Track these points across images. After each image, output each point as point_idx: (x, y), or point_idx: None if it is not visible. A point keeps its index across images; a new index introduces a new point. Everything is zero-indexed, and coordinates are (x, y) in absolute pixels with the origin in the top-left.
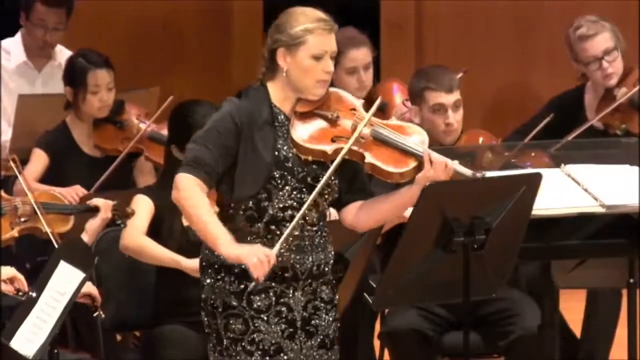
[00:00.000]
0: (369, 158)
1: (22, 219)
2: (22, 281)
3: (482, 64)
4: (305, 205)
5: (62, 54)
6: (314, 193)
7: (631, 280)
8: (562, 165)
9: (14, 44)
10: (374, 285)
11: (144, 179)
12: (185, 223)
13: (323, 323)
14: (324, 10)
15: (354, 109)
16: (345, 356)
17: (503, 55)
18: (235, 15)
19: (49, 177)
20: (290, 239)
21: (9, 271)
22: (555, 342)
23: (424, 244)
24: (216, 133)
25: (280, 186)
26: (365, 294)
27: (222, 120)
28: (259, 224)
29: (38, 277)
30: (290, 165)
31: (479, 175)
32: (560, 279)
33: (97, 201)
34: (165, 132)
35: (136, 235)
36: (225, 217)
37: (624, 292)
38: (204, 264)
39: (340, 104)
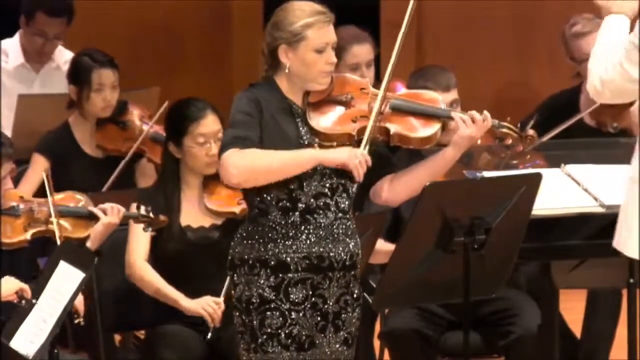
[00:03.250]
0: (394, 129)
1: (37, 223)
2: (26, 290)
3: (482, 63)
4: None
5: (61, 54)
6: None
7: (631, 280)
8: (562, 165)
9: (13, 45)
10: (374, 285)
11: (145, 181)
12: (184, 223)
13: (349, 319)
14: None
15: (364, 88)
16: None
17: (503, 55)
18: (235, 15)
19: (53, 176)
20: (326, 227)
21: (12, 285)
22: (555, 342)
23: (424, 244)
24: (241, 114)
25: (310, 173)
26: (365, 294)
27: (242, 103)
28: (294, 215)
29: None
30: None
31: (502, 123)
32: (560, 279)
33: (102, 206)
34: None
35: (139, 266)
36: (257, 214)
37: (624, 292)
38: (235, 262)
39: (348, 87)
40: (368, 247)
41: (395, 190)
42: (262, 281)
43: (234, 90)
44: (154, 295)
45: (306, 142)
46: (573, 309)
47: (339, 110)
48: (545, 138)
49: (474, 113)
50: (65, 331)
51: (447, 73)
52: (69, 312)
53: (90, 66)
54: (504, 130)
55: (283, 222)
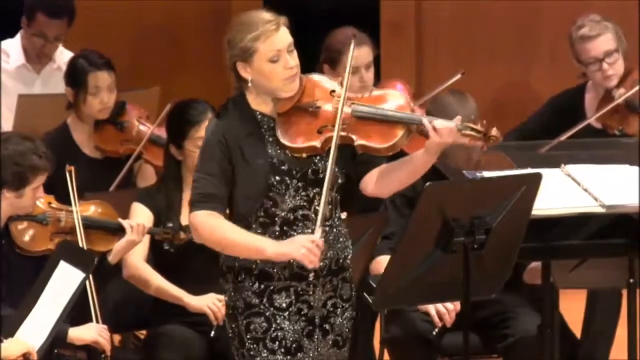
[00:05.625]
0: (357, 140)
1: (63, 232)
2: (32, 353)
3: (482, 64)
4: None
5: (62, 55)
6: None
7: (631, 280)
8: (562, 165)
9: (14, 46)
10: (374, 285)
11: (144, 182)
12: (184, 223)
13: (339, 322)
14: (323, 9)
15: (333, 91)
16: None
17: (503, 55)
18: (234, 16)
19: (50, 178)
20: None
21: (19, 346)
22: (555, 342)
23: (424, 244)
24: (210, 161)
25: (282, 191)
26: (365, 294)
27: (210, 146)
28: (274, 228)
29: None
30: (287, 167)
31: (466, 124)
32: (560, 279)
33: (129, 222)
34: (163, 133)
35: (138, 265)
36: (240, 225)
37: (624, 292)
38: (224, 269)
39: (318, 90)
40: (368, 246)
41: (382, 187)
42: (247, 288)
43: (233, 90)
44: (154, 294)
45: (278, 158)
46: (573, 309)
47: (306, 120)
48: (555, 142)
49: (445, 124)
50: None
51: (469, 105)
52: (73, 320)
53: (86, 69)
54: (467, 132)
55: (264, 235)
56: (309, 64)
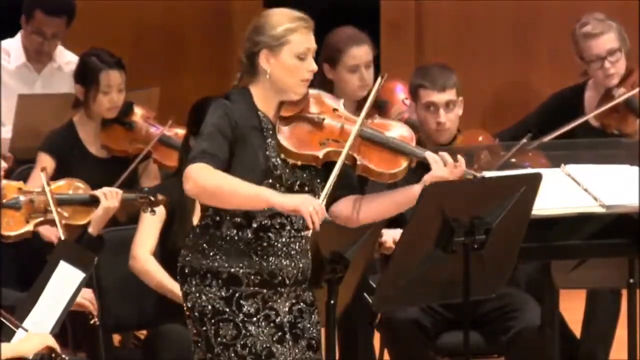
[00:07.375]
0: (360, 160)
1: (37, 213)
2: (57, 347)
3: (482, 64)
4: (342, 155)
5: (63, 55)
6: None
7: (631, 280)
8: (562, 165)
9: (14, 45)
10: (374, 285)
11: (148, 182)
12: (196, 222)
13: (308, 325)
14: (323, 9)
15: (336, 109)
16: (345, 356)
17: (503, 55)
18: (235, 16)
19: (54, 177)
20: (280, 246)
21: (39, 341)
22: (555, 342)
23: (424, 244)
24: (215, 127)
25: None
26: (365, 294)
27: (218, 116)
28: (248, 232)
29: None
30: (279, 173)
31: (479, 176)
32: (560, 279)
33: (101, 190)
34: (172, 134)
35: (144, 258)
36: (210, 225)
37: (624, 292)
38: (186, 270)
39: (321, 106)
40: (368, 247)
41: (359, 213)
42: (213, 292)
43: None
44: (155, 289)
45: (273, 162)
46: (573, 309)
47: (309, 129)
48: (549, 137)
49: (446, 156)
50: (65, 331)
51: (447, 72)
52: (71, 312)
53: (98, 67)
54: (468, 176)
55: (236, 238)
56: None
